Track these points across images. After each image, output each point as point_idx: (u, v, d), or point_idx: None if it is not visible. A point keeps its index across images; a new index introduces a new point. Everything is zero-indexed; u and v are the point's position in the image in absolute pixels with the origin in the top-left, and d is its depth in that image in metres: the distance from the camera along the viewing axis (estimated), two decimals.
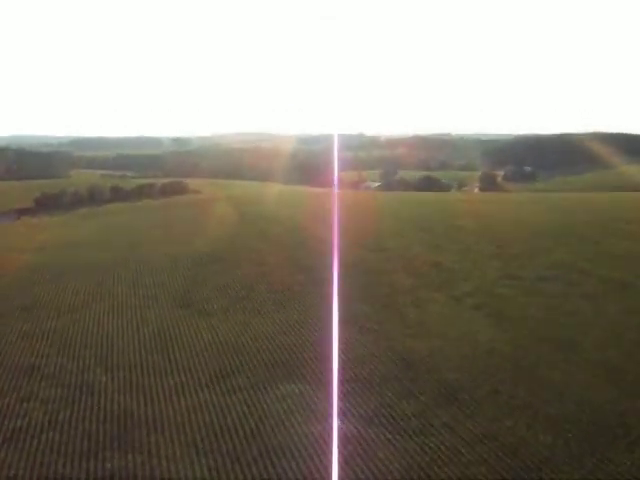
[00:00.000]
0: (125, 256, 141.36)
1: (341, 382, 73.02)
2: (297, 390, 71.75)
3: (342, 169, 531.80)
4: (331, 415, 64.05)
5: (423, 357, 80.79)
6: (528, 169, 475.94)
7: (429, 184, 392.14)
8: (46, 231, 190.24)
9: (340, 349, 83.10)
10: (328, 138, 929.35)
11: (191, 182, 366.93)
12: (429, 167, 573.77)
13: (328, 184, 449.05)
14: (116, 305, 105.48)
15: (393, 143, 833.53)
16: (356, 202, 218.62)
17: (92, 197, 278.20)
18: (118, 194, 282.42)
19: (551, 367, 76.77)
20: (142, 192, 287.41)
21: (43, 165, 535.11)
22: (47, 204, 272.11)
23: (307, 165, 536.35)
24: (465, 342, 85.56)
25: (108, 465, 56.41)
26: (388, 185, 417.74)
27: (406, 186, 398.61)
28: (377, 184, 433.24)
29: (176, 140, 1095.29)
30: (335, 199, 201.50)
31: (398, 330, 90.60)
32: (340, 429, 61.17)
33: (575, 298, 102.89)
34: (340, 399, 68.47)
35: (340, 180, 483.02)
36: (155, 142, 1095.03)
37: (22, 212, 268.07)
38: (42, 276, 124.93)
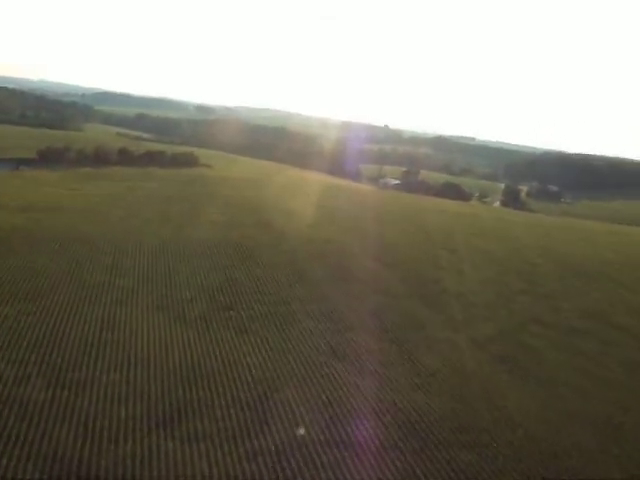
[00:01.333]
0: (112, 234, 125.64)
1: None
2: None
3: (363, 161, 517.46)
4: None
5: (432, 422, 66.01)
6: (554, 188, 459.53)
7: (450, 190, 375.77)
8: (38, 188, 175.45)
9: (328, 390, 69.48)
10: (351, 126, 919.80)
11: (205, 153, 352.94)
12: (451, 171, 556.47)
13: (349, 176, 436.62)
14: (87, 296, 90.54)
15: (417, 140, 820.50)
16: (373, 203, 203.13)
17: (98, 157, 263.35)
18: (125, 157, 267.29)
19: (588, 458, 62.14)
20: (151, 158, 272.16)
21: (59, 115, 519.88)
22: (50, 158, 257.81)
23: (329, 152, 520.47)
24: (484, 408, 70.83)
25: None
26: (408, 185, 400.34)
27: (427, 189, 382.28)
28: (396, 182, 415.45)
29: (200, 107, 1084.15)
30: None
31: (406, 379, 75.73)
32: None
33: (612, 363, 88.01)
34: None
35: (360, 173, 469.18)
36: (179, 106, 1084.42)
37: (23, 162, 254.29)
38: (9, 245, 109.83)
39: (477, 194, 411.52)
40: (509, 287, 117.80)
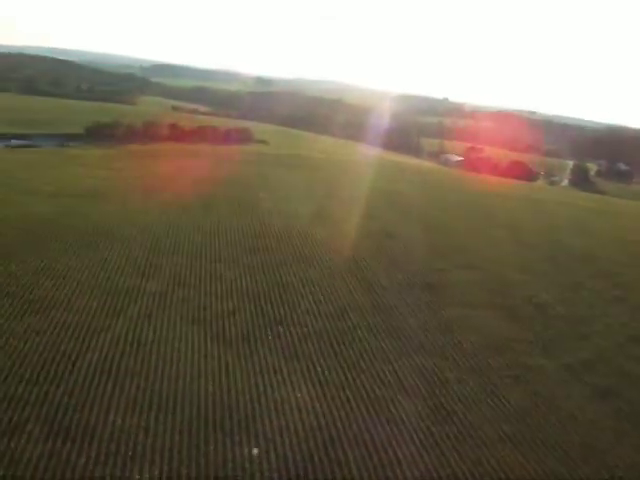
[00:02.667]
0: (148, 226, 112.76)
1: None
2: None
3: (423, 134, 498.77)
4: None
5: None
6: (624, 167, 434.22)
7: (516, 169, 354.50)
8: (77, 169, 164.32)
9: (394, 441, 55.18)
10: (410, 99, 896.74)
11: (261, 127, 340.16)
12: (515, 148, 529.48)
13: (409, 151, 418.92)
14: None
15: (478, 114, 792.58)
16: (438, 185, 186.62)
17: (147, 132, 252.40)
18: (176, 133, 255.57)
19: None
20: (203, 134, 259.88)
21: (114, 89, 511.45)
22: (98, 133, 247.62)
23: (388, 125, 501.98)
24: (591, 469, 55.53)
25: None
26: (471, 162, 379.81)
27: (492, 168, 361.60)
28: (459, 158, 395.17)
29: (259, 79, 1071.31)
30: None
31: (491, 425, 60.70)
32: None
33: None
34: None
35: (420, 148, 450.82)
36: (238, 78, 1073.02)
37: (70, 138, 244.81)
38: (32, 240, 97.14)
39: (543, 173, 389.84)
40: (601, 295, 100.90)
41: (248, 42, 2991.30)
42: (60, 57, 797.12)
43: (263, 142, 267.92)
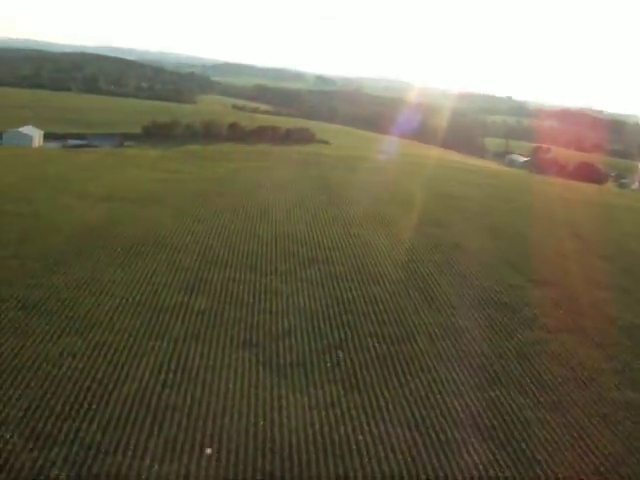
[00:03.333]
0: (200, 235, 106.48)
1: None
2: None
3: (487, 134, 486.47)
4: None
5: None
6: None
7: (584, 171, 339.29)
8: (132, 170, 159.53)
9: None
10: (472, 97, 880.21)
11: (322, 127, 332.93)
12: (581, 148, 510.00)
13: (473, 151, 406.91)
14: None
15: (543, 113, 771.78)
16: (507, 189, 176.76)
17: (207, 132, 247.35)
18: (236, 133, 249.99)
19: None
20: (263, 134, 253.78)
21: (175, 87, 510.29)
22: (156, 133, 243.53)
23: (452, 126, 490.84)
24: None
25: None
26: (537, 163, 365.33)
27: (559, 169, 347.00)
28: (524, 159, 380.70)
29: (319, 78, 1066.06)
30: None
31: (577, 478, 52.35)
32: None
33: None
34: None
35: (484, 148, 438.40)
36: (299, 77, 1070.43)
37: (128, 137, 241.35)
38: (78, 250, 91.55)
39: (613, 175, 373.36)
40: None
41: (309, 41, 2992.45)
42: (122, 57, 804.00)
43: (325, 142, 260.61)
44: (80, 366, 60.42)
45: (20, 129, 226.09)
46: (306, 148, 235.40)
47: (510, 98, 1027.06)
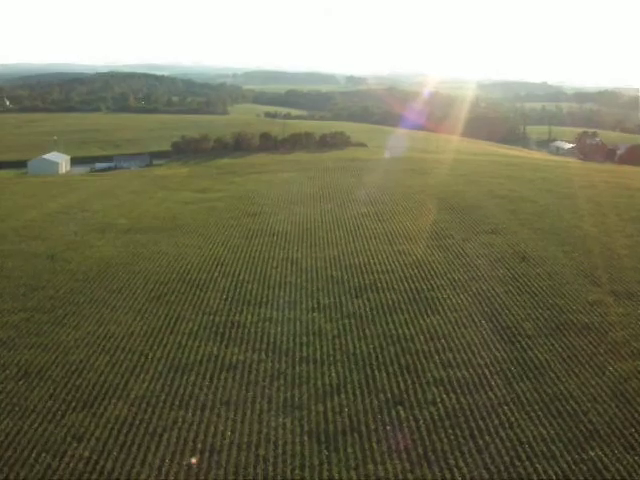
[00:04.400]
0: (230, 267, 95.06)
1: None
2: None
3: (527, 122, 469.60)
4: None
5: None
6: None
7: (633, 154, 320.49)
8: (158, 193, 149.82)
9: None
10: (507, 85, 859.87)
11: (357, 128, 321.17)
12: (626, 129, 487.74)
13: (518, 142, 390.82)
14: None
15: (581, 96, 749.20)
16: (566, 183, 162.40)
17: (238, 144, 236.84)
18: (268, 142, 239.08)
19: None
20: (297, 141, 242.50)
21: (206, 99, 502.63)
22: (186, 149, 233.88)
23: (488, 116, 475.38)
24: None
25: None
26: (583, 149, 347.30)
27: (608, 154, 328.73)
28: (570, 145, 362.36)
29: (350, 78, 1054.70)
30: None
31: None
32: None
33: None
34: None
35: (527, 137, 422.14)
36: (330, 79, 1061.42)
37: (157, 156, 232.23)
38: (81, 297, 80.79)
39: None
40: None
41: (339, 43, 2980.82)
42: (153, 72, 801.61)
43: (361, 145, 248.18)
44: (86, 454, 49.32)
45: (45, 156, 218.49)
46: (342, 153, 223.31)
47: (545, 83, 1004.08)
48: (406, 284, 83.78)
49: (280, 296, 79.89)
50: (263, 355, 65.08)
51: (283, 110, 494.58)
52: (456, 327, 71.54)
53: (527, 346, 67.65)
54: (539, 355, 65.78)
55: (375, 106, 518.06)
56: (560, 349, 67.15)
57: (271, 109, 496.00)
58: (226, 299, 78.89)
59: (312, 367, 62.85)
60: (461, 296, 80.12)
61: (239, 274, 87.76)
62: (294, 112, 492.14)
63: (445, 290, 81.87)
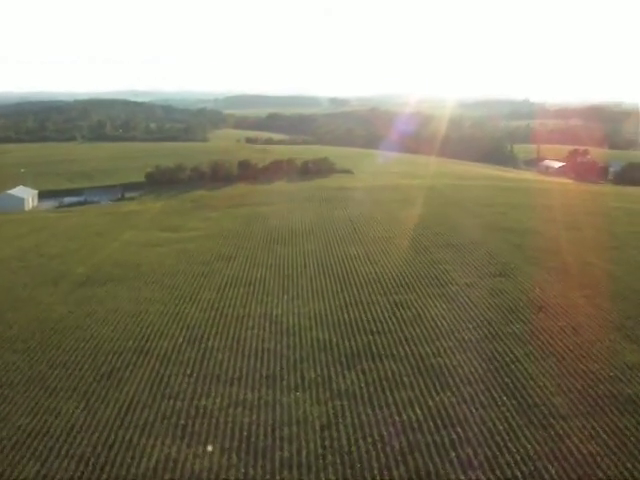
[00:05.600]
0: (201, 331, 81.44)
1: None
2: None
3: (513, 141, 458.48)
4: None
5: None
6: None
7: (633, 173, 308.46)
8: (124, 233, 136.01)
9: None
10: (489, 104, 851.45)
11: (341, 152, 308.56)
12: (615, 145, 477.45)
13: (505, 162, 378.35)
14: None
15: (565, 112, 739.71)
16: (569, 210, 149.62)
17: (215, 174, 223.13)
18: (247, 171, 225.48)
19: None
20: (278, 169, 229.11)
21: (185, 125, 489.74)
22: (160, 180, 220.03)
23: (474, 136, 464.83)
24: None
25: None
26: (574, 168, 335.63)
27: (600, 173, 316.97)
28: (559, 164, 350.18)
29: (333, 100, 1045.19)
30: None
31: None
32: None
33: None
34: None
35: (514, 156, 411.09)
36: (313, 101, 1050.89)
37: (130, 188, 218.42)
38: (16, 374, 66.64)
39: None
40: None
41: (320, 64, 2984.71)
42: (133, 99, 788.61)
43: (347, 172, 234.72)
44: None
45: (10, 191, 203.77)
46: (327, 181, 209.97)
47: (527, 100, 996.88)
48: (407, 348, 70.12)
49: (256, 369, 65.98)
50: (234, 458, 51.25)
51: (265, 135, 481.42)
52: (472, 407, 58.00)
53: (563, 432, 54.37)
54: (580, 446, 52.56)
55: (360, 128, 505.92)
56: (605, 436, 53.91)
57: (252, 134, 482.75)
58: (190, 375, 64.85)
59: (295, 475, 49.13)
60: (474, 362, 66.61)
61: (208, 339, 73.79)
62: (276, 136, 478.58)
63: (454, 355, 68.32)
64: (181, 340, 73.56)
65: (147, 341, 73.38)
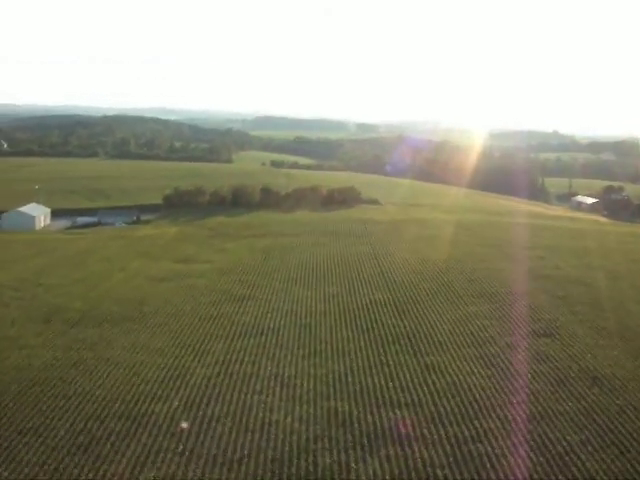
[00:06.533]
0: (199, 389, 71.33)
1: None
2: None
3: (544, 174, 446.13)
4: None
5: None
6: None
7: None
8: (134, 261, 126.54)
9: None
10: (518, 135, 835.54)
11: (368, 180, 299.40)
12: None
13: (534, 195, 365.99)
14: None
15: (596, 146, 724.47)
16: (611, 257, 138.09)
17: (236, 199, 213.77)
18: (269, 198, 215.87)
19: None
20: (301, 197, 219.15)
21: (210, 146, 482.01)
22: (178, 203, 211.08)
23: (504, 167, 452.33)
24: None
25: None
26: (609, 205, 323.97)
27: (635, 211, 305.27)
28: (592, 200, 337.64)
29: (361, 125, 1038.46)
30: None
31: None
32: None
33: None
34: None
35: (544, 190, 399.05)
36: (340, 126, 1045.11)
37: (146, 210, 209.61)
38: None
39: None
40: None
41: (349, 88, 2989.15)
42: (162, 116, 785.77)
43: (373, 202, 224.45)
44: None
45: (22, 209, 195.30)
46: (352, 212, 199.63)
47: (557, 132, 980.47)
48: (441, 428, 59.02)
49: (261, 448, 55.23)
50: None
51: (290, 158, 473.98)
52: None
53: None
54: None
55: (387, 155, 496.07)
56: None
57: (278, 157, 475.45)
58: (182, 453, 54.34)
59: None
60: (520, 451, 55.53)
61: (208, 403, 63.18)
62: (302, 161, 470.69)
63: (497, 440, 57.19)
64: (177, 404, 63.06)
65: (137, 404, 62.91)
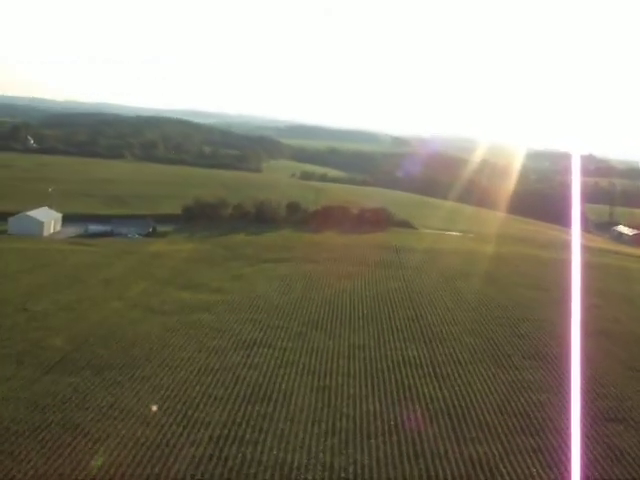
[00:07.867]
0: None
1: None
2: None
3: (583, 200, 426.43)
4: None
5: None
6: None
7: None
8: (139, 283, 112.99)
9: None
10: (553, 156, 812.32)
11: (399, 199, 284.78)
12: None
13: (568, 223, 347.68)
14: None
15: (635, 173, 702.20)
16: None
17: (260, 215, 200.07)
18: (295, 215, 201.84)
19: None
20: (329, 216, 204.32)
21: (240, 153, 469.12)
22: (198, 214, 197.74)
23: (541, 192, 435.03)
24: None
25: None
26: None
27: None
28: (634, 232, 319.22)
29: (396, 139, 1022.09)
30: None
31: None
32: None
33: None
34: None
35: (586, 218, 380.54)
36: (374, 138, 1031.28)
37: (164, 220, 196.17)
38: None
39: None
40: None
41: (385, 101, 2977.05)
42: (196, 119, 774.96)
43: (406, 224, 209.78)
44: None
45: (30, 213, 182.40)
46: (383, 237, 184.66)
47: (592, 156, 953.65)
48: None
49: None
50: None
51: (321, 170, 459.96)
52: None
53: None
54: None
55: (420, 172, 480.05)
56: None
57: (309, 168, 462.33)
58: None
59: None
60: None
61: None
62: (332, 173, 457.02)
63: None
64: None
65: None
